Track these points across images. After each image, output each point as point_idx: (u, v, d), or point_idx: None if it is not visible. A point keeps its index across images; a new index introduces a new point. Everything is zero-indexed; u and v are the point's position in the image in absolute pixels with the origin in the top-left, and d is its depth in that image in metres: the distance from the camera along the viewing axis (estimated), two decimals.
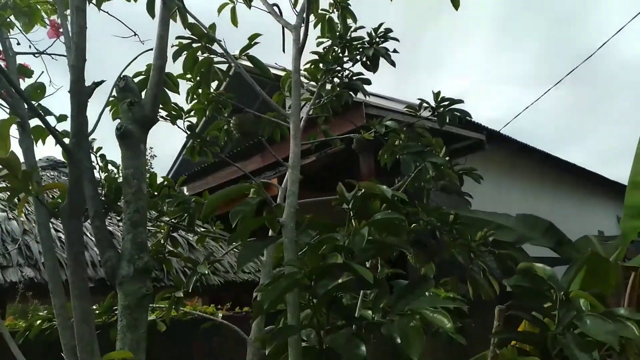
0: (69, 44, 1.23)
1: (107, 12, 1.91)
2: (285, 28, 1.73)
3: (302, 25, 1.63)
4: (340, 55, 2.84)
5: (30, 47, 2.17)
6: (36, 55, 2.08)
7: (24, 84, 1.93)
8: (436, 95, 2.96)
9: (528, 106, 9.08)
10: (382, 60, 2.77)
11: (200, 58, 1.88)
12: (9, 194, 1.04)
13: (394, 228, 1.38)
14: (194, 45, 1.84)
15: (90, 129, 1.17)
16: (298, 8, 1.76)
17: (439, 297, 1.13)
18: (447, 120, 2.89)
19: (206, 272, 1.88)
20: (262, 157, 7.76)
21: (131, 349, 1.18)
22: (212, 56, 1.90)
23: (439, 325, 0.99)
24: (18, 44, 1.89)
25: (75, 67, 1.07)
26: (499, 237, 3.06)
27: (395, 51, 2.88)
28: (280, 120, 2.92)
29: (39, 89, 1.94)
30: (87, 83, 1.11)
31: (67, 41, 1.19)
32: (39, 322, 2.40)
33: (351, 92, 2.92)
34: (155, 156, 21.87)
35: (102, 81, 1.24)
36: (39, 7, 2.02)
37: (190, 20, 1.91)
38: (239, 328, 2.05)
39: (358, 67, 2.86)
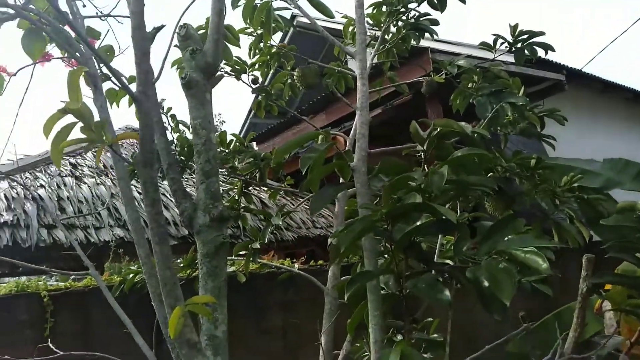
0: None
1: None
2: None
3: None
4: None
5: (96, 13, 2.22)
6: (102, 18, 2.10)
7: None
8: (513, 28, 2.69)
9: (615, 39, 8.17)
10: None
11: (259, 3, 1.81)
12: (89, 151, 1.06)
13: (473, 168, 1.27)
14: None
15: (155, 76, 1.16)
16: None
17: (531, 236, 1.02)
18: (526, 56, 2.64)
19: (279, 223, 1.89)
20: (326, 115, 7.68)
21: (213, 295, 1.20)
22: (271, 2, 1.83)
23: (533, 266, 0.90)
24: (84, 6, 1.92)
25: (135, 13, 1.05)
26: (584, 183, 2.81)
27: None
28: (344, 70, 2.82)
29: (108, 51, 1.98)
30: (148, 29, 1.09)
31: None
32: (131, 275, 2.56)
33: (417, 34, 2.74)
34: (224, 122, 22.56)
35: (163, 26, 1.21)
36: None
37: None
38: (318, 281, 2.05)
39: (424, 7, 2.67)
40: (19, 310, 3.08)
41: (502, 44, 2.64)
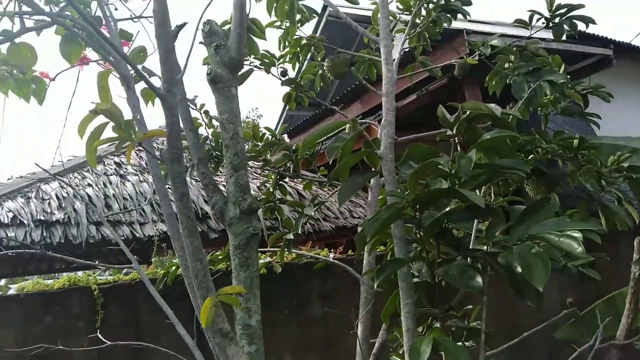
0: None
1: None
2: None
3: None
4: None
5: (130, 15, 2.28)
6: (134, 20, 2.16)
7: (127, 49, 2.04)
8: (550, 2, 2.57)
9: None
10: None
11: None
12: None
13: (507, 151, 1.23)
14: None
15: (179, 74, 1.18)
16: None
17: (567, 219, 0.98)
18: (566, 31, 2.52)
19: (312, 213, 1.90)
20: (361, 104, 7.62)
21: (245, 285, 1.23)
22: None
23: (567, 250, 0.87)
24: (116, 9, 1.97)
25: (157, 12, 1.08)
26: (634, 162, 2.67)
27: None
28: (374, 57, 2.78)
29: (141, 52, 2.04)
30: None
31: None
32: (173, 268, 2.64)
33: (449, 16, 2.66)
34: (262, 115, 22.83)
35: (185, 23, 1.24)
36: None
37: None
38: (353, 270, 2.06)
39: None
40: (71, 303, 3.26)
41: (538, 19, 2.53)
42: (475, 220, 1.48)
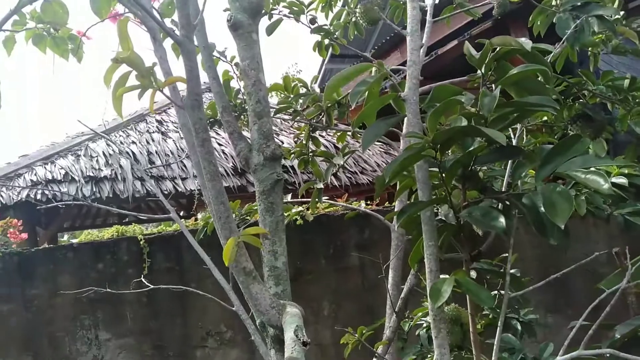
0: None
1: None
2: None
3: None
4: None
5: None
6: None
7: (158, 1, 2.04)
8: None
9: None
10: None
11: None
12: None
13: (537, 88, 1.17)
14: None
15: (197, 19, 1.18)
16: None
17: (593, 156, 0.94)
18: None
19: (341, 162, 1.90)
20: (400, 52, 7.36)
21: (270, 229, 1.26)
22: None
23: (592, 186, 0.83)
24: None
25: None
26: None
27: None
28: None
29: (169, 5, 2.04)
30: None
31: None
32: (212, 219, 2.75)
33: None
34: (301, 70, 22.60)
35: None
36: None
37: None
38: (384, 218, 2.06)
39: None
40: (120, 252, 3.48)
41: None
42: (510, 163, 1.44)
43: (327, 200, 2.33)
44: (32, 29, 1.92)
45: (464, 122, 0.93)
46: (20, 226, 2.43)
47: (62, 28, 1.95)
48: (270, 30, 2.56)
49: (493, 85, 1.23)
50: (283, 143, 5.99)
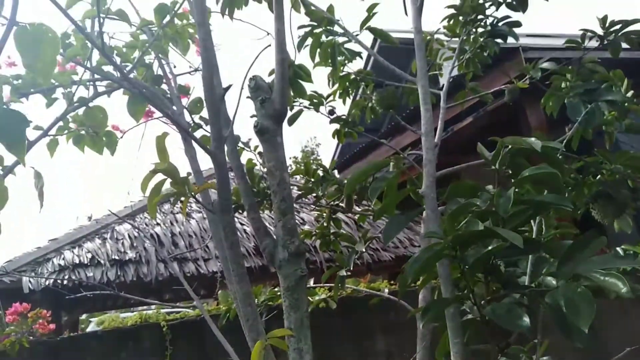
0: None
1: (240, 20, 2.05)
2: None
3: None
4: (481, 1, 2.59)
5: (190, 67, 2.48)
6: (192, 73, 2.34)
7: (186, 101, 2.21)
8: (602, 20, 2.50)
9: None
10: None
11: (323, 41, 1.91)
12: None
13: (553, 184, 1.21)
14: (316, 30, 1.87)
15: (228, 131, 1.28)
16: None
17: (612, 256, 0.96)
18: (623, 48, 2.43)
19: (363, 249, 1.92)
20: (418, 129, 7.56)
21: (295, 326, 1.28)
22: (335, 38, 1.92)
23: (612, 289, 0.85)
24: (174, 67, 2.15)
25: (205, 78, 1.19)
26: None
27: None
28: None
29: (198, 103, 2.20)
30: (225, 83, 1.24)
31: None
32: (234, 305, 2.75)
33: (497, 41, 2.65)
34: (320, 144, 23.25)
35: (230, 86, 1.35)
36: (188, 30, 2.25)
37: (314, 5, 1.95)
38: (413, 301, 2.04)
39: (504, 11, 2.58)
40: (143, 339, 3.46)
41: (591, 38, 2.46)
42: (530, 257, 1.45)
43: (349, 286, 2.33)
44: (73, 131, 2.08)
45: (480, 226, 0.97)
46: (49, 317, 2.47)
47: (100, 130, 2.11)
48: (291, 121, 2.71)
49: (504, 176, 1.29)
50: (304, 220, 6.05)
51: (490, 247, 1.08)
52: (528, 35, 6.99)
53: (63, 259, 4.80)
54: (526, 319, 1.00)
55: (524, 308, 1.05)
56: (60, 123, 2.02)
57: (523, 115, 5.82)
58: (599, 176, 2.27)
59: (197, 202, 1.23)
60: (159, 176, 1.21)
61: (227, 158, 1.39)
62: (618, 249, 1.88)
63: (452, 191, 1.30)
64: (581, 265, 0.95)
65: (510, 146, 1.28)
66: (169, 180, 1.22)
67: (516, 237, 0.93)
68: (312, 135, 23.68)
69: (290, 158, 24.48)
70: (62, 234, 5.49)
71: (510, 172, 1.31)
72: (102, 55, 1.09)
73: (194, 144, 1.58)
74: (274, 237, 1.40)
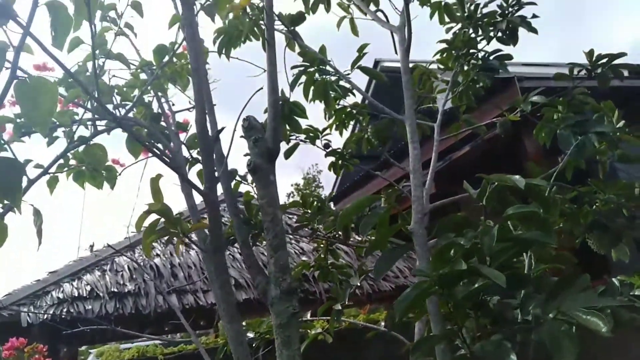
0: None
1: (236, 58, 2.12)
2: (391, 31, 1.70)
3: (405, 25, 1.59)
4: (473, 35, 2.67)
5: (189, 101, 2.54)
6: (190, 110, 2.39)
7: (184, 136, 2.26)
8: (589, 54, 2.57)
9: None
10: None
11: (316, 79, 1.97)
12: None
13: (539, 221, 1.24)
14: (309, 70, 1.94)
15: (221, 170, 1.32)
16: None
17: (596, 294, 0.97)
18: (611, 78, 2.49)
19: (357, 283, 1.93)
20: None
21: None
22: (327, 77, 1.98)
23: (593, 329, 0.86)
24: (173, 104, 2.21)
25: (198, 121, 1.24)
26: None
27: (535, 16, 2.61)
28: (419, 120, 2.85)
29: (195, 139, 2.25)
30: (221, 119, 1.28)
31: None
32: None
33: (488, 74, 2.72)
34: (321, 171, 23.32)
35: (222, 129, 1.39)
36: (188, 66, 2.31)
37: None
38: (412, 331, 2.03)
39: (496, 44, 2.66)
40: None
41: (579, 71, 2.52)
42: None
43: (346, 320, 2.33)
44: (73, 168, 2.12)
45: (464, 266, 0.99)
46: (45, 352, 2.46)
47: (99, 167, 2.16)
48: (287, 154, 2.75)
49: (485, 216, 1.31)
50: (303, 250, 6.04)
51: (477, 285, 1.09)
52: (523, 64, 7.10)
53: (62, 291, 4.79)
54: (513, 357, 1.01)
55: (514, 344, 1.06)
56: (61, 161, 2.07)
57: (520, 142, 5.87)
58: (595, 205, 2.30)
59: (190, 241, 1.25)
60: (154, 216, 1.24)
61: (224, 191, 1.42)
62: (614, 279, 1.89)
63: (441, 226, 1.32)
64: (566, 303, 0.96)
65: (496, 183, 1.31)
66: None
67: (499, 276, 0.95)
68: (313, 162, 23.81)
69: (292, 185, 24.53)
70: (62, 266, 5.49)
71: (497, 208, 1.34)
72: (97, 102, 1.13)
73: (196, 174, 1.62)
74: (267, 273, 1.42)
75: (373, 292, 5.31)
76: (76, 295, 4.76)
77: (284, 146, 2.84)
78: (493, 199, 1.32)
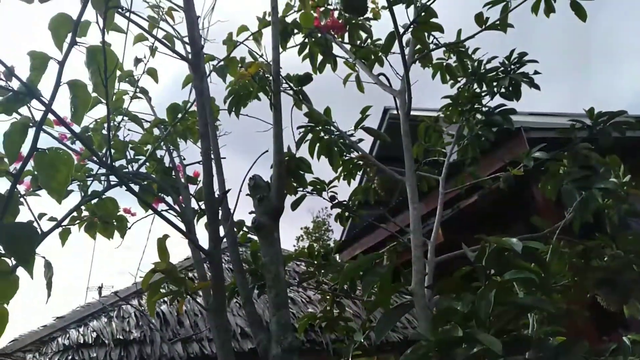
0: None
1: (246, 115, 2.21)
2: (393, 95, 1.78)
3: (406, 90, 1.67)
4: (478, 91, 2.76)
5: (200, 154, 2.63)
6: (201, 163, 2.47)
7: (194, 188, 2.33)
8: (589, 112, 2.64)
9: None
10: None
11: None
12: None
13: (537, 285, 1.25)
14: (315, 129, 2.02)
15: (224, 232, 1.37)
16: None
17: None
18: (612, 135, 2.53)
19: (361, 339, 1.93)
20: (425, 204, 7.61)
21: None
22: (332, 136, 2.06)
23: None
24: (184, 158, 2.29)
25: (205, 184, 1.30)
26: None
27: (536, 72, 2.69)
28: (422, 173, 2.90)
29: None
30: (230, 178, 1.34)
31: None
32: None
33: (493, 129, 2.78)
34: (331, 214, 23.28)
35: (228, 191, 1.45)
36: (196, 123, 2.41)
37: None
38: None
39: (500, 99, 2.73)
40: None
41: (579, 128, 2.57)
42: None
43: None
44: (86, 219, 2.19)
45: (460, 332, 1.01)
46: None
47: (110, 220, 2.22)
48: (294, 206, 2.80)
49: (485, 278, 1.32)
50: (310, 299, 5.98)
51: (475, 349, 1.10)
52: (530, 114, 7.17)
53: (68, 338, 4.76)
54: None
55: None
56: (74, 213, 2.14)
57: (530, 189, 5.85)
58: (604, 259, 2.28)
59: (194, 300, 1.28)
60: (159, 274, 1.27)
61: (229, 248, 1.46)
62: (624, 338, 1.86)
63: (442, 288, 1.34)
64: None
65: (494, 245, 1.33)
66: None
67: (494, 343, 0.96)
68: (323, 206, 23.82)
69: (301, 229, 24.46)
70: (69, 311, 5.48)
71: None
72: (104, 167, 1.19)
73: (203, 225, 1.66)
74: (269, 331, 1.43)
75: (381, 343, 5.20)
76: (81, 342, 4.72)
77: (291, 198, 2.90)
78: (492, 260, 1.33)
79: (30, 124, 0.90)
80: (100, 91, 0.87)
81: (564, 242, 2.35)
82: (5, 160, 1.30)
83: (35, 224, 0.99)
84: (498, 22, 2.13)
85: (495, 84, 2.73)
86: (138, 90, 1.80)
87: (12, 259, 1.23)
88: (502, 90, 2.75)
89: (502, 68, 2.71)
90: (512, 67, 2.73)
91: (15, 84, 0.91)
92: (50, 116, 0.95)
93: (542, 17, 2.43)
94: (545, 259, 1.41)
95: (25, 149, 0.95)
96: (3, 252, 0.92)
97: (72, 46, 0.85)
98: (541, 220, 2.63)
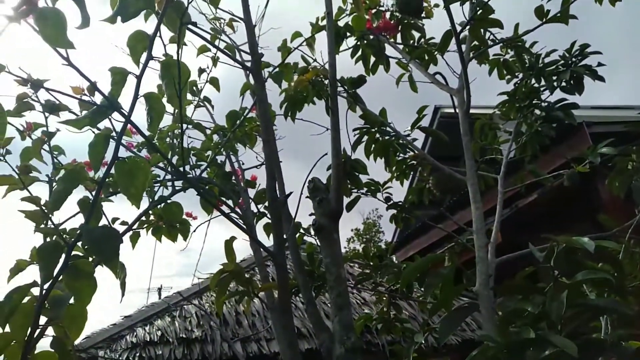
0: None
1: (301, 119, 2.25)
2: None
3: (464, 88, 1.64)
4: (536, 85, 2.66)
5: (257, 158, 2.71)
6: (258, 167, 2.54)
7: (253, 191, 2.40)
8: None
9: None
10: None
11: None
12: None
13: (613, 285, 1.20)
14: (371, 131, 2.02)
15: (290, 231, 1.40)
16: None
17: None
18: None
19: (422, 341, 1.91)
20: (484, 203, 7.38)
21: None
22: (387, 137, 2.06)
23: None
24: (243, 163, 2.36)
25: (268, 187, 1.34)
26: None
27: (600, 64, 2.57)
28: (481, 172, 2.83)
29: (263, 194, 2.38)
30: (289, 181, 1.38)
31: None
32: None
33: (553, 125, 2.67)
34: (382, 216, 23.14)
35: (290, 193, 1.49)
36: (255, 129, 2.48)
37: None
38: None
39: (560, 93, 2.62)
40: None
41: None
42: None
43: None
44: (152, 223, 2.31)
45: (532, 334, 0.98)
46: None
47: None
48: (349, 207, 2.82)
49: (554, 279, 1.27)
50: (365, 300, 5.97)
51: (547, 352, 1.07)
52: (592, 108, 6.81)
53: (135, 336, 5.02)
54: None
55: None
56: (143, 218, 2.26)
57: (594, 186, 5.54)
58: None
59: (259, 299, 1.32)
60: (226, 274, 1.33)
61: (290, 250, 1.49)
62: None
63: (501, 292, 1.31)
64: None
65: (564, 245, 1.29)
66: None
67: (569, 345, 0.93)
68: (374, 207, 23.69)
69: (352, 230, 24.45)
70: (135, 311, 5.78)
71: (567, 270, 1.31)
72: (177, 174, 1.26)
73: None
74: (331, 331, 1.45)
75: (439, 346, 5.10)
76: (148, 340, 4.97)
77: (345, 200, 2.91)
78: (561, 261, 1.29)
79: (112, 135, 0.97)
80: (174, 102, 0.93)
81: (634, 241, 2.23)
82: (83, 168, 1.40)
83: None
84: (559, 14, 2.05)
85: (555, 78, 2.63)
86: (201, 99, 1.88)
87: (95, 260, 1.32)
88: (563, 84, 2.64)
89: (562, 61, 2.60)
90: (574, 59, 2.61)
91: (97, 98, 0.99)
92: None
93: (606, 6, 2.32)
94: (619, 260, 1.34)
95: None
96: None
97: (148, 61, 0.91)
98: (609, 218, 2.50)
